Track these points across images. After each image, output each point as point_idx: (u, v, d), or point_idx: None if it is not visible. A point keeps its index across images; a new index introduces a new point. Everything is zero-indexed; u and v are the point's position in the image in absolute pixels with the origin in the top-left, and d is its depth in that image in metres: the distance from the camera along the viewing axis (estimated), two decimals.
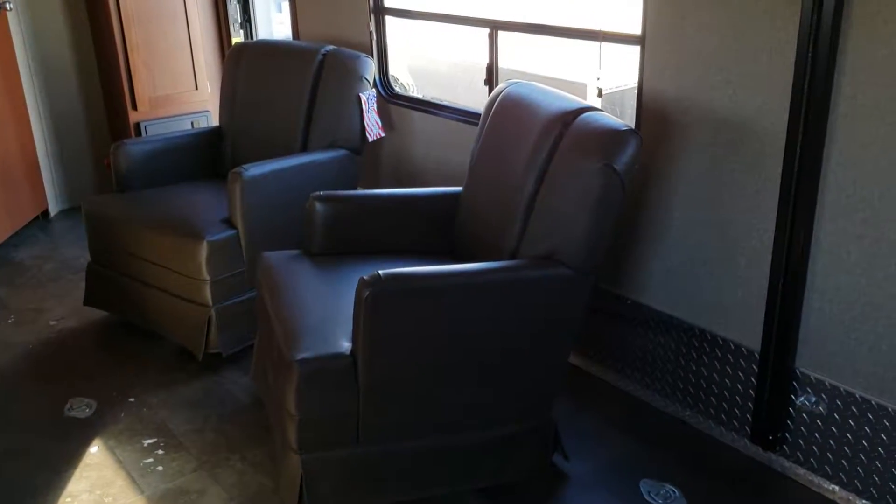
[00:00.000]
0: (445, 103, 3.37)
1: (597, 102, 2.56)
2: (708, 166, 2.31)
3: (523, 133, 2.32)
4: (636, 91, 2.46)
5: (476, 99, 5.41)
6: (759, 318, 2.25)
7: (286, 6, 4.72)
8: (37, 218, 4.32)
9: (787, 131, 2.05)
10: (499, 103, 2.54)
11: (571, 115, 2.21)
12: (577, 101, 2.31)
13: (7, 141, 4.03)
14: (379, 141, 3.40)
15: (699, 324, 2.46)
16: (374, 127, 3.32)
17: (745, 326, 2.31)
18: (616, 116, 2.17)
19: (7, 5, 3.99)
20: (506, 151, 2.40)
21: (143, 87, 4.20)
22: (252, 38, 4.45)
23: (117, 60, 4.14)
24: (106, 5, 4.05)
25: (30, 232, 4.20)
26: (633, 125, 2.45)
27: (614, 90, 4.48)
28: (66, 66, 4.39)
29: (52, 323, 3.30)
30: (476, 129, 2.69)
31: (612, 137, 2.06)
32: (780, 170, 2.09)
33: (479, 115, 2.98)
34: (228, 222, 2.93)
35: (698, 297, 2.44)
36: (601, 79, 2.61)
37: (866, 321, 2.04)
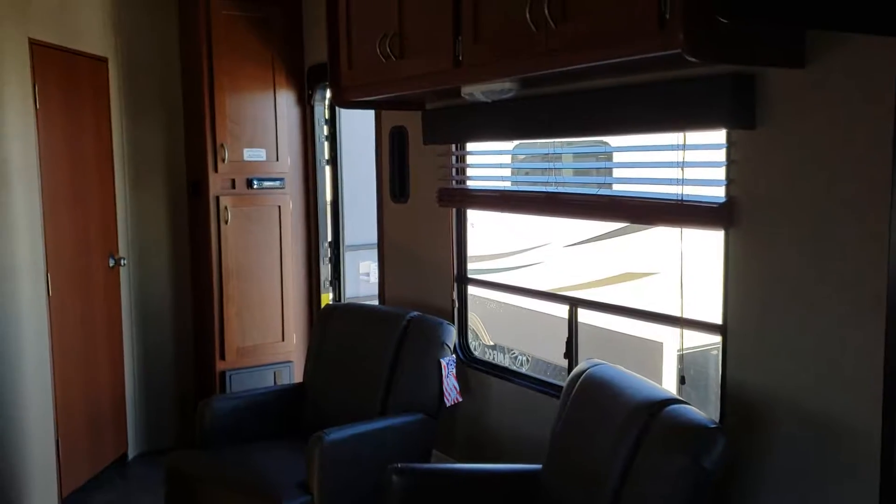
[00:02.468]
0: (524, 371, 3.43)
1: (674, 382, 2.58)
2: (796, 466, 2.23)
3: (606, 420, 2.33)
4: (720, 361, 2.45)
5: (548, 349, 5.49)
6: None
7: (371, 257, 5.04)
8: (115, 461, 4.39)
9: (882, 437, 2.00)
10: (581, 383, 2.57)
11: (657, 407, 2.21)
12: (661, 391, 2.32)
13: (101, 386, 4.23)
14: (456, 404, 3.43)
15: None
16: (452, 392, 3.37)
17: None
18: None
19: (122, 261, 4.38)
20: (588, 437, 2.39)
21: (233, 338, 4.42)
22: (340, 295, 4.70)
23: (212, 312, 4.41)
24: (209, 260, 4.40)
25: (107, 475, 4.25)
26: (717, 410, 2.43)
27: (695, 350, 4.47)
28: (164, 314, 4.68)
29: None
30: (555, 401, 2.71)
31: (699, 434, 2.05)
32: (877, 479, 2.00)
33: (559, 386, 3.02)
34: (304, 486, 2.93)
35: None
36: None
37: None
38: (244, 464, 3.14)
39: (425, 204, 3.69)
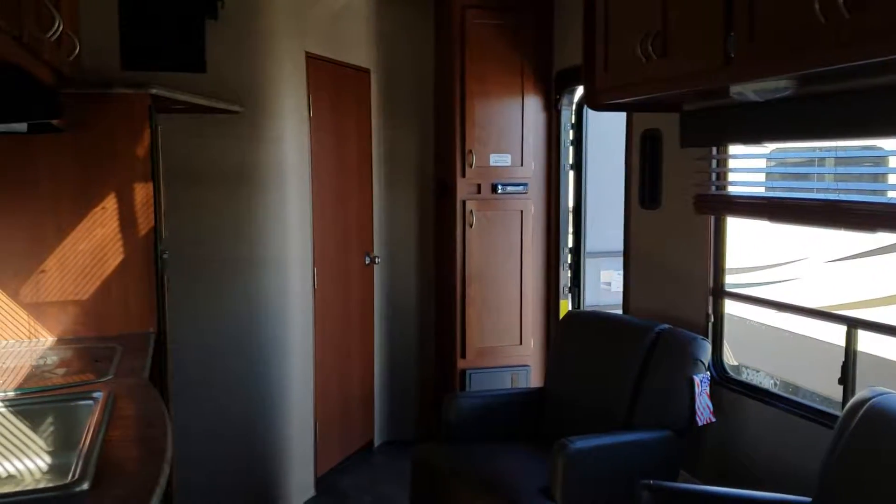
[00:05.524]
0: (786, 395, 3.15)
1: None
2: None
3: None
4: None
5: (807, 372, 5.03)
6: None
7: (612, 265, 4.93)
8: (362, 447, 4.66)
9: None
10: (864, 414, 2.30)
11: None
12: None
13: (353, 376, 4.52)
14: (707, 424, 3.24)
15: None
16: (704, 411, 3.18)
17: None
18: None
19: (376, 259, 4.64)
20: (873, 475, 2.13)
21: (473, 338, 4.52)
22: (579, 303, 4.64)
23: (454, 312, 4.53)
24: (453, 262, 4.53)
25: (355, 460, 4.52)
26: None
27: None
28: (410, 311, 4.91)
29: None
30: (823, 430, 2.45)
31: None
32: None
33: (829, 414, 2.74)
34: (546, 492, 2.91)
35: None
36: None
37: None
38: (487, 463, 3.18)
39: (678, 211, 3.53)
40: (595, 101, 3.32)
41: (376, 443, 4.78)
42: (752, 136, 3.07)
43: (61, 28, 2.22)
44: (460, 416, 3.48)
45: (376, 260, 4.67)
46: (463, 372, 4.52)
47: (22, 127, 2.52)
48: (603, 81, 3.23)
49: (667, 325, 3.35)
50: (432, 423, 4.78)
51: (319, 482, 4.17)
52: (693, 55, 2.64)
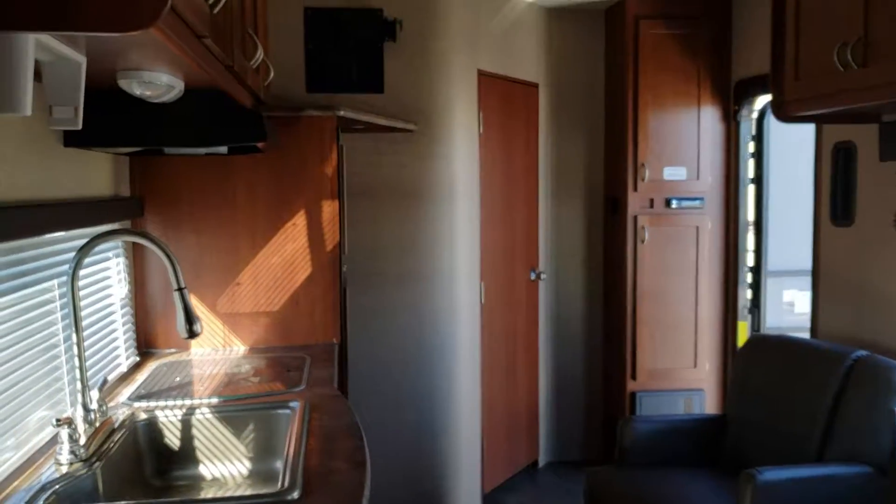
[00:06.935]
0: None
1: None
2: None
3: None
4: None
5: None
6: None
7: (795, 285, 4.62)
8: (527, 466, 4.62)
9: None
10: None
11: None
12: None
13: (518, 393, 4.50)
14: None
15: None
16: None
17: None
18: None
19: (542, 275, 4.61)
20: None
21: (645, 359, 4.38)
22: (759, 324, 4.39)
23: (624, 331, 4.42)
24: (623, 279, 4.42)
25: (521, 478, 4.50)
26: None
27: None
28: (576, 328, 4.83)
29: None
30: None
31: None
32: None
33: None
34: None
35: None
36: None
37: None
38: (668, 490, 3.06)
39: (875, 228, 3.25)
40: (783, 112, 3.14)
41: (541, 462, 4.73)
42: None
43: (262, 56, 2.36)
44: (636, 440, 3.37)
45: (542, 276, 4.64)
46: (633, 394, 4.39)
47: (223, 148, 2.70)
48: (793, 92, 3.04)
49: (864, 352, 3.09)
50: (599, 445, 4.68)
51: (486, 499, 4.17)
52: None
